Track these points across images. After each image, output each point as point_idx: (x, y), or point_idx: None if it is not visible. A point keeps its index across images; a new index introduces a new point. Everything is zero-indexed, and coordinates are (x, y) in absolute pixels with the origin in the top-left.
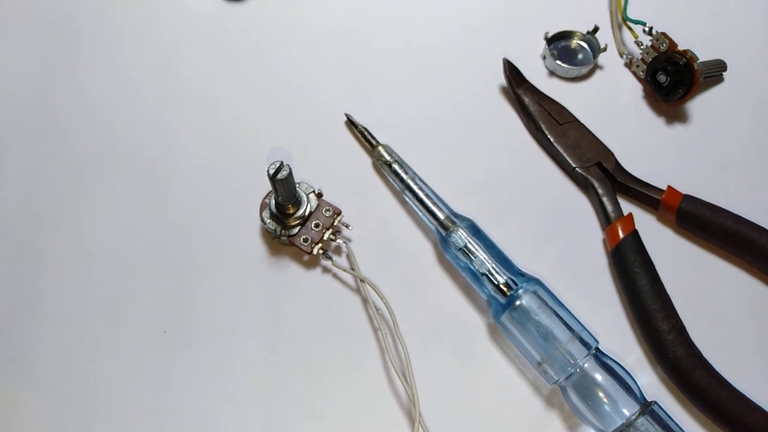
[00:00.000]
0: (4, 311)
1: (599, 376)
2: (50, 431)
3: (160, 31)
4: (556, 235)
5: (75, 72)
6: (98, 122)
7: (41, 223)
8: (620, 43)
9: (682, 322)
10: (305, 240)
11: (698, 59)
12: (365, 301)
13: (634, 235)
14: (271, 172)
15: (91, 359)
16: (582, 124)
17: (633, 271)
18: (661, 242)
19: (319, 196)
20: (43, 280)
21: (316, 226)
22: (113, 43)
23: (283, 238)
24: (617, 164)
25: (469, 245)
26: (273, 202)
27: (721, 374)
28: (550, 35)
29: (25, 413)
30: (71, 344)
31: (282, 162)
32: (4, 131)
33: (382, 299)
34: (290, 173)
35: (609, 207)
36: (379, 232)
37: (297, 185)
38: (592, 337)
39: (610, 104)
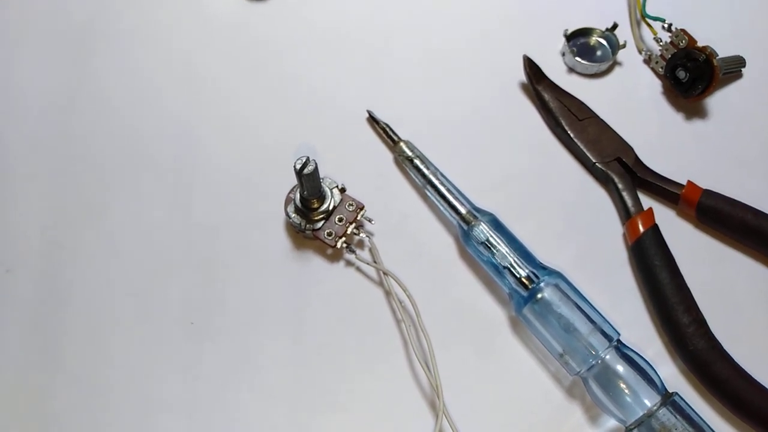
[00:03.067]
0: (37, 304)
1: (620, 368)
2: (80, 420)
3: (183, 31)
4: (576, 230)
5: (100, 74)
6: (124, 123)
7: (71, 220)
8: (639, 39)
9: (702, 315)
10: (329, 234)
11: (717, 55)
12: (388, 293)
13: (654, 230)
14: (298, 166)
15: (120, 350)
16: (601, 119)
17: (653, 265)
18: (681, 236)
19: (343, 191)
20: (73, 275)
21: (340, 220)
22: (136, 45)
23: (307, 232)
24: (637, 159)
25: (490, 239)
26: (298, 196)
27: (742, 366)
28: (569, 32)
29: (55, 403)
30: (101, 336)
31: (308, 157)
32: (34, 132)
33: (405, 291)
34: (316, 168)
35: (629, 202)
36: (402, 226)
37: (321, 180)
38: (614, 329)
39: (629, 100)
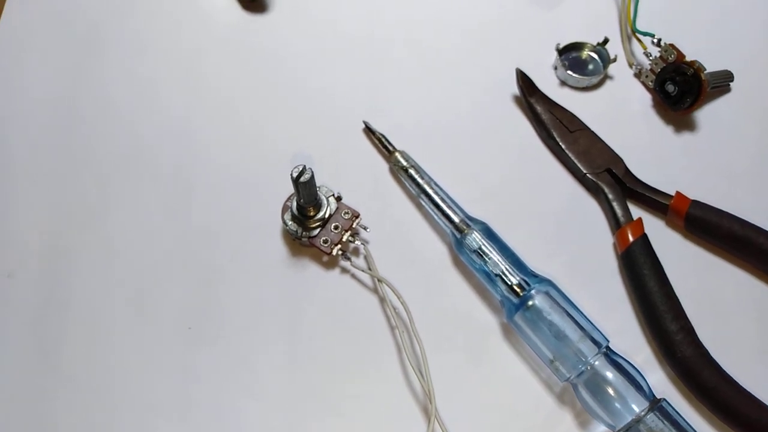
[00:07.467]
0: (36, 308)
1: (609, 374)
2: (77, 422)
3: (184, 41)
4: (567, 239)
5: (102, 80)
6: (125, 129)
7: (71, 225)
8: (630, 54)
9: (690, 323)
10: (325, 241)
11: (706, 70)
12: (382, 300)
13: (643, 239)
14: (294, 174)
15: (118, 354)
16: (592, 131)
17: (642, 274)
18: (670, 246)
19: (339, 199)
20: (72, 279)
21: (336, 228)
22: (139, 53)
23: (303, 239)
24: (627, 170)
25: (483, 247)
26: (295, 204)
27: (729, 374)
28: (561, 46)
29: (54, 406)
30: (99, 340)
31: (305, 165)
32: (35, 137)
33: (399, 298)
34: (312, 176)
35: (619, 212)
36: (396, 234)
37: (318, 188)
38: (603, 336)
39: (619, 113)
